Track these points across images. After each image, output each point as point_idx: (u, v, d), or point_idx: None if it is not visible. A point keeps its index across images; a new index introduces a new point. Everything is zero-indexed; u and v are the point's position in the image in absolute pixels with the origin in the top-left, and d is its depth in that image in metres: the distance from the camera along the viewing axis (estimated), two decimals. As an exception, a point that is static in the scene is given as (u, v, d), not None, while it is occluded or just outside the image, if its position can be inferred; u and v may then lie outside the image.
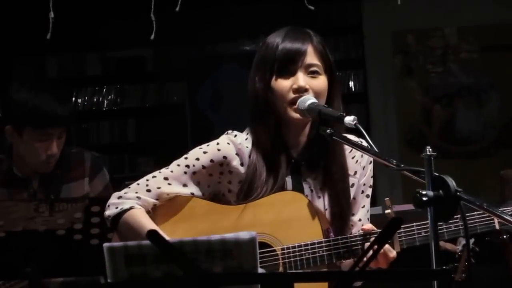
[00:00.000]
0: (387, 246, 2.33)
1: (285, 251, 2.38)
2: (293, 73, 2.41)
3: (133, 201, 2.45)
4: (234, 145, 2.46)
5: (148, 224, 2.41)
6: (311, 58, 2.43)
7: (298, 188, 2.46)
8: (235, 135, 2.49)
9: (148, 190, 2.47)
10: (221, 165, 2.45)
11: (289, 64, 2.41)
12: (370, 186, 2.56)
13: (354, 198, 2.53)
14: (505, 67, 6.90)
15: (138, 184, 2.50)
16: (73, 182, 3.34)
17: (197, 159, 2.46)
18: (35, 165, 3.30)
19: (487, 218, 2.36)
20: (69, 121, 3.29)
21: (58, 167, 3.36)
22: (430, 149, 1.93)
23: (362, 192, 2.55)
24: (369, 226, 2.42)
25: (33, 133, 3.24)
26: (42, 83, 3.36)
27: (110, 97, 7.13)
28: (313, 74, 2.42)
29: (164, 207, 2.49)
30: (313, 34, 2.47)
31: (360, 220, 2.54)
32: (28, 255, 2.83)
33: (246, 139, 2.48)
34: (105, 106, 7.13)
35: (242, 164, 2.45)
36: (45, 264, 2.86)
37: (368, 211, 2.57)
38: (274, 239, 2.40)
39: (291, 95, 2.40)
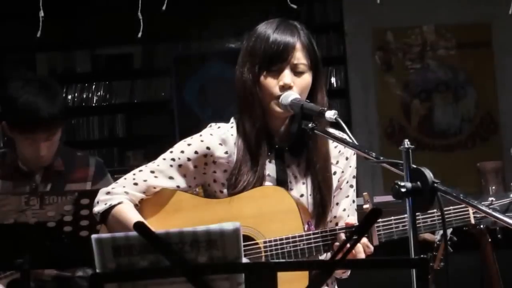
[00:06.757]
0: (365, 242, 2.37)
1: (267, 244, 2.42)
2: (281, 70, 2.45)
3: (121, 196, 2.49)
4: (217, 135, 2.51)
5: (135, 218, 2.44)
6: (298, 56, 2.46)
7: (281, 174, 2.51)
8: (218, 127, 2.54)
9: (135, 184, 2.50)
10: (205, 156, 2.49)
11: (277, 61, 2.45)
12: (354, 177, 2.59)
13: (340, 188, 2.57)
14: (480, 63, 6.94)
15: (125, 179, 2.52)
16: (75, 183, 3.34)
17: (182, 151, 2.50)
18: (31, 160, 3.30)
19: (462, 213, 2.39)
20: (55, 123, 3.23)
21: (62, 165, 3.36)
22: (408, 142, 1.94)
23: (347, 182, 2.58)
24: (352, 221, 2.46)
25: (20, 135, 3.25)
26: (32, 84, 3.26)
27: (99, 93, 7.11)
28: (298, 72, 2.46)
29: (151, 201, 2.51)
30: (300, 28, 2.51)
31: (344, 210, 2.57)
32: (19, 247, 2.84)
33: (232, 127, 2.53)
34: (94, 102, 7.11)
35: (226, 153, 2.49)
36: (36, 256, 2.85)
37: (354, 201, 2.59)
38: (256, 232, 2.43)
39: (277, 92, 2.44)
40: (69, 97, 7.08)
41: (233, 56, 2.61)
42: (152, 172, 2.51)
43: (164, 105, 7.08)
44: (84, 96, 7.13)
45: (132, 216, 2.46)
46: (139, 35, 3.38)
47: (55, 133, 3.27)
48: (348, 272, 2.52)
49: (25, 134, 3.23)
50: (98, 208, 2.50)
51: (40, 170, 3.34)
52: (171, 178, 2.51)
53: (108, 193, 2.51)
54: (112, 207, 2.48)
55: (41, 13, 3.37)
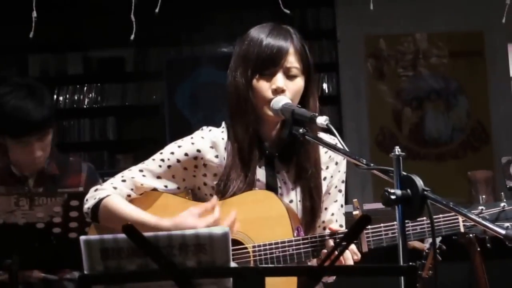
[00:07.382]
0: (352, 249, 2.37)
1: (256, 248, 2.41)
2: (273, 74, 2.44)
3: (109, 190, 2.50)
4: (208, 139, 2.50)
5: (126, 206, 2.46)
6: (291, 60, 2.46)
7: (271, 180, 2.50)
8: (210, 130, 2.53)
9: (123, 181, 2.52)
10: (195, 159, 2.49)
11: (270, 64, 2.44)
12: (342, 182, 2.59)
13: (329, 193, 2.56)
14: (472, 72, 6.97)
15: (113, 178, 2.55)
16: (68, 188, 3.32)
17: (172, 153, 2.50)
18: (25, 164, 3.29)
19: (452, 221, 2.40)
20: (45, 125, 3.23)
21: (56, 169, 3.35)
22: (399, 149, 1.94)
23: (336, 187, 2.58)
24: (336, 227, 2.46)
25: (11, 139, 3.24)
26: (18, 88, 3.26)
27: (90, 95, 7.12)
28: (291, 76, 2.45)
29: (138, 203, 2.50)
30: (293, 32, 2.50)
31: (333, 214, 2.57)
32: (8, 247, 2.84)
33: (222, 131, 2.52)
34: (85, 104, 7.11)
35: (217, 156, 2.49)
36: (24, 257, 2.85)
37: (342, 205, 2.60)
38: (246, 237, 2.42)
39: (270, 95, 2.43)
40: (61, 99, 7.09)
41: (225, 61, 2.60)
42: (141, 170, 2.53)
43: (155, 109, 7.09)
44: (76, 98, 7.13)
45: (122, 205, 2.47)
46: (132, 38, 3.38)
47: (47, 134, 3.27)
48: (334, 277, 2.51)
49: (17, 138, 3.23)
50: (88, 205, 2.51)
51: (33, 175, 3.34)
52: (159, 177, 2.51)
53: (96, 190, 2.53)
54: (101, 200, 2.48)
55: (34, 14, 3.37)
